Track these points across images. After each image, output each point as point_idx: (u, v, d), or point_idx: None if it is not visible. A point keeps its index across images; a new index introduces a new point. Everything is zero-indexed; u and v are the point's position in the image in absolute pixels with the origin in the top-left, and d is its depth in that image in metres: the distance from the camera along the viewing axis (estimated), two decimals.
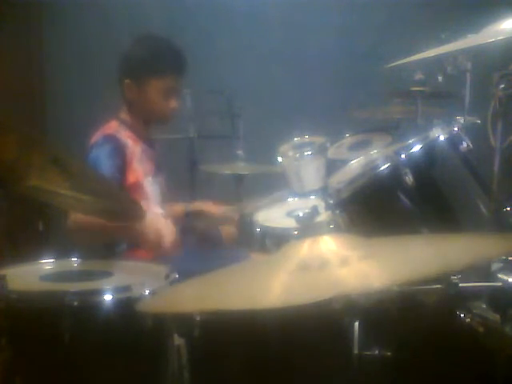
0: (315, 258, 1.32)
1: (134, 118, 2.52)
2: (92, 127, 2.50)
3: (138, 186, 2.42)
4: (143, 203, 2.34)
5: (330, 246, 1.34)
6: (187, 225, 2.73)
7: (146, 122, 2.56)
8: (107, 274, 1.80)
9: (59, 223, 2.14)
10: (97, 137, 2.45)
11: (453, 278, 1.52)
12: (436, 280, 1.53)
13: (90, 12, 4.11)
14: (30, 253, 2.00)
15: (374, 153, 1.88)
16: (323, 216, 1.75)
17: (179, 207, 2.77)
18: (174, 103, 2.51)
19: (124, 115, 2.53)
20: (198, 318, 1.52)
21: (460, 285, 1.50)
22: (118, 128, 2.48)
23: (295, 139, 3.07)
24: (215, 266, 1.41)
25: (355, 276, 1.26)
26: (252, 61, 4.09)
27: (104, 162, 2.33)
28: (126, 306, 1.61)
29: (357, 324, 1.55)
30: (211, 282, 1.41)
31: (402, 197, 1.80)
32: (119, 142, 2.42)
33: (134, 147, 2.46)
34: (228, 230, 2.86)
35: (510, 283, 1.60)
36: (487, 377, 1.60)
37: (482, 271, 1.73)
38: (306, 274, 1.30)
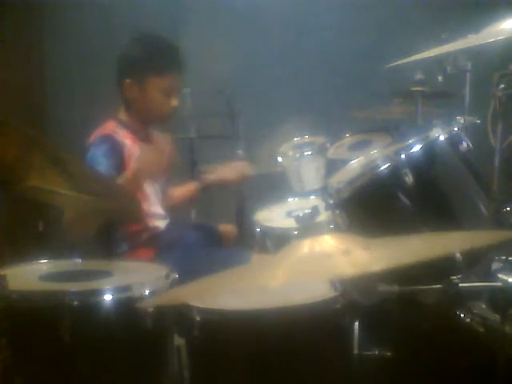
0: (317, 250, 1.34)
1: (133, 117, 2.52)
2: (92, 127, 2.50)
3: None
4: (143, 203, 2.34)
5: (330, 243, 1.36)
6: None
7: (145, 121, 2.55)
8: (107, 273, 1.79)
9: (59, 223, 2.13)
10: (94, 137, 2.44)
11: (453, 277, 1.52)
12: (435, 276, 1.53)
13: (90, 12, 4.10)
14: (30, 253, 1.99)
15: (374, 153, 1.88)
16: (323, 216, 1.76)
17: (190, 185, 2.83)
18: (174, 101, 2.51)
19: (122, 115, 2.52)
20: (198, 318, 1.53)
21: (460, 285, 1.50)
22: (115, 128, 2.47)
23: (295, 139, 3.07)
24: (216, 266, 1.40)
25: (355, 263, 1.28)
26: (252, 61, 4.08)
27: (101, 162, 2.32)
28: (126, 306, 1.61)
29: (357, 324, 1.56)
30: (213, 282, 1.41)
31: (402, 197, 1.80)
32: (116, 141, 2.41)
33: (131, 147, 2.45)
34: (227, 229, 2.86)
35: (510, 283, 1.60)
36: (487, 376, 1.60)
37: (482, 271, 1.73)
38: (308, 263, 1.31)
